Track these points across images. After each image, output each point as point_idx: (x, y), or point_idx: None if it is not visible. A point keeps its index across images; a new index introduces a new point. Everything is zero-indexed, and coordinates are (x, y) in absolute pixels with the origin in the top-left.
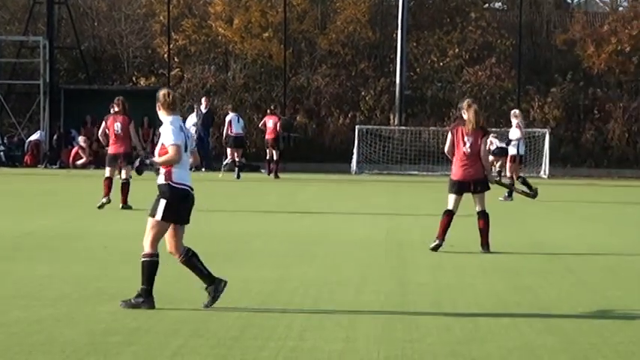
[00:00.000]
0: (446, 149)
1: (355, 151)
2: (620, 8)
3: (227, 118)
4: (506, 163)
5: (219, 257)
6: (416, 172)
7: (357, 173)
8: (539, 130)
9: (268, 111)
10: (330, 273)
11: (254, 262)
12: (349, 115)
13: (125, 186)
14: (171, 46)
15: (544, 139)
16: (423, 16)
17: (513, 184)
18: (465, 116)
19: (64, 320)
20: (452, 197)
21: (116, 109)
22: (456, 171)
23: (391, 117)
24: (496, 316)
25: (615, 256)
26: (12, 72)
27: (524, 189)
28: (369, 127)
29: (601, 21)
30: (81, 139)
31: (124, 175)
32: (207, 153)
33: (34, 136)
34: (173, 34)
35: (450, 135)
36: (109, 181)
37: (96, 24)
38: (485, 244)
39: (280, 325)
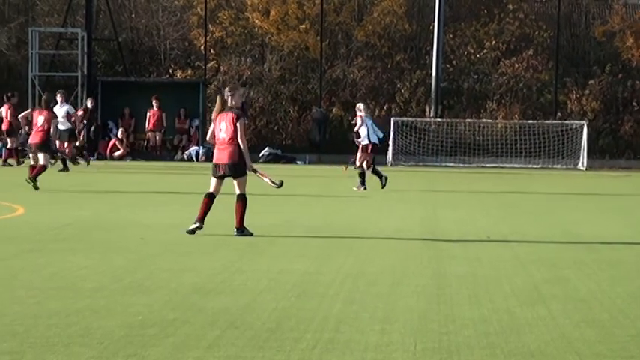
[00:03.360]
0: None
1: (391, 143)
2: None
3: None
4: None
5: (255, 249)
6: (452, 164)
7: (392, 165)
8: (576, 122)
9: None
10: (366, 265)
11: (290, 254)
12: (385, 107)
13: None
14: (207, 38)
15: (582, 132)
16: (460, 7)
17: (364, 173)
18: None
19: (102, 312)
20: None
21: None
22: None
23: (427, 109)
24: (533, 307)
25: None
26: (51, 64)
27: (270, 180)
28: (405, 119)
29: None
30: (118, 132)
31: None
32: None
33: None
34: (210, 26)
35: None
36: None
37: (133, 16)
38: (238, 228)
39: (317, 316)
